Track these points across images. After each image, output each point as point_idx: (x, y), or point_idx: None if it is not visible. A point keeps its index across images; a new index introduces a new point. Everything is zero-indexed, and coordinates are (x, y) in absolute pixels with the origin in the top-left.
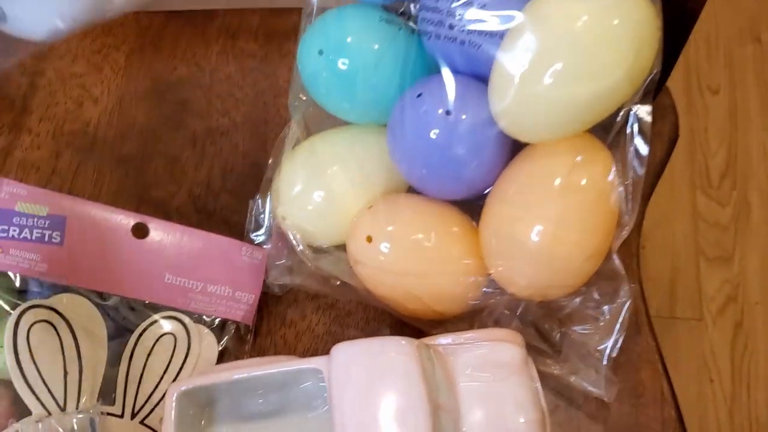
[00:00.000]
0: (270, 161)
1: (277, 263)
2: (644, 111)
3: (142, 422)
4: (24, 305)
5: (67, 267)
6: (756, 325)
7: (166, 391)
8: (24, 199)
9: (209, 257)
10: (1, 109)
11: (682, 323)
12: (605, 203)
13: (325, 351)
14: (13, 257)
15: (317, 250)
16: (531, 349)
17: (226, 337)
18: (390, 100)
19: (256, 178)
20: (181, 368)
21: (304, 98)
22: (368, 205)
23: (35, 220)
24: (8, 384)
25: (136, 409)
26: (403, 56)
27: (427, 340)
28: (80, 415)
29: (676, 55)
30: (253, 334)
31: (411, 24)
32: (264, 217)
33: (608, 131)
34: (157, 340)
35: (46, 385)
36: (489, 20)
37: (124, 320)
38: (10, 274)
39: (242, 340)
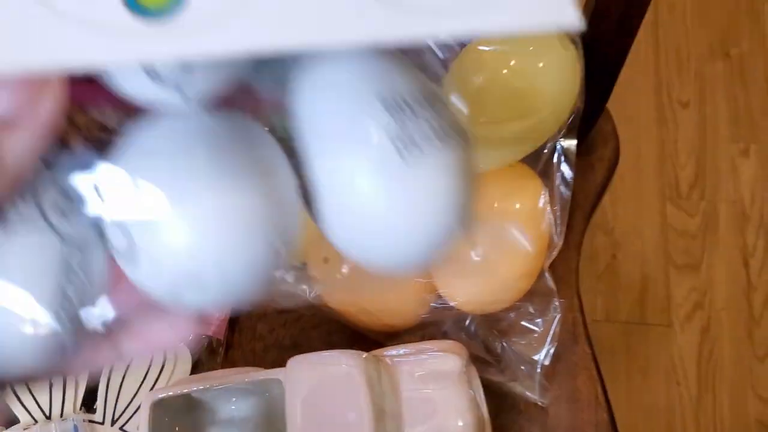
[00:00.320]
0: None
1: None
2: (569, 144)
3: (121, 428)
4: None
5: None
6: (721, 331)
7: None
8: None
9: None
10: None
11: (652, 329)
12: (537, 226)
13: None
14: None
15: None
16: (476, 359)
17: (199, 350)
18: None
19: None
20: (157, 379)
21: None
22: None
23: None
24: None
25: (116, 416)
26: None
27: (377, 352)
28: (64, 422)
29: (609, 91)
30: (224, 347)
31: None
32: None
33: (538, 162)
34: None
35: (32, 395)
36: None
37: None
38: None
39: (214, 353)
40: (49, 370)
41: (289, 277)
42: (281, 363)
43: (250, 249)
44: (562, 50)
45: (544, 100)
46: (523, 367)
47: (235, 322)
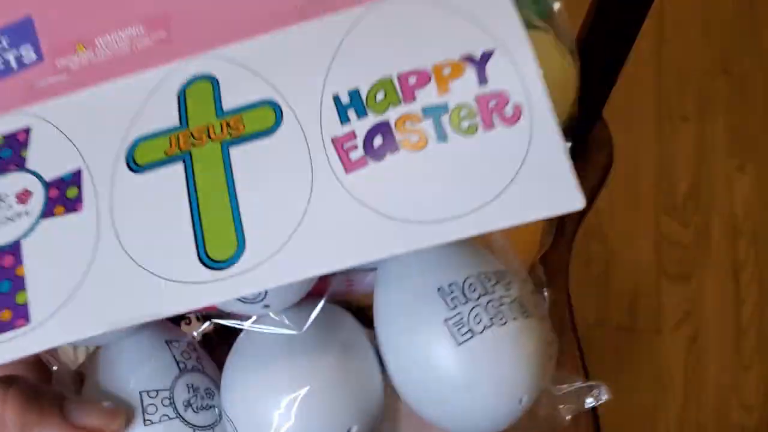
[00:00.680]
0: None
1: None
2: None
3: None
4: None
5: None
6: (709, 341)
7: None
8: None
9: None
10: None
11: (641, 335)
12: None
13: None
14: None
15: None
16: None
17: None
18: None
19: None
20: None
21: None
22: None
23: None
24: None
25: None
26: None
27: None
28: None
29: (605, 98)
30: None
31: None
32: None
33: None
34: None
35: None
36: None
37: None
38: None
39: None
40: None
41: None
42: None
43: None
44: (559, 59)
45: None
46: None
47: None
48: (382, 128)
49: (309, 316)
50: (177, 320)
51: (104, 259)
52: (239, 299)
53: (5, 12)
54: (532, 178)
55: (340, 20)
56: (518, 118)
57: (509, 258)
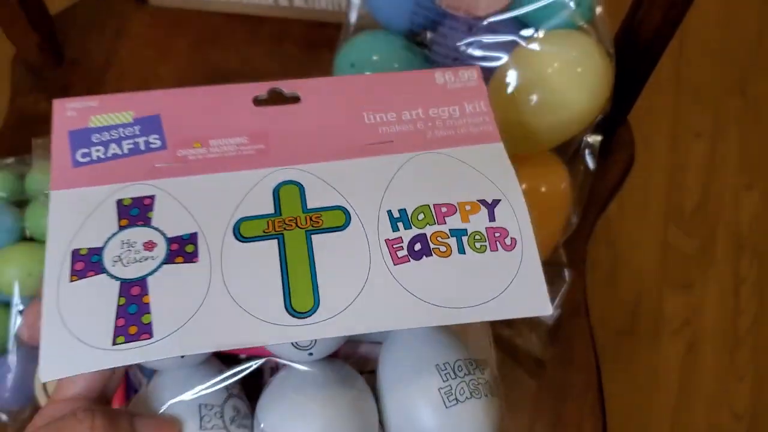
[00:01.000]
0: None
1: None
2: (594, 140)
3: None
4: None
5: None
6: (706, 349)
7: None
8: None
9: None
10: (80, 76)
11: (641, 340)
12: (558, 206)
13: None
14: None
15: None
16: None
17: None
18: None
19: None
20: None
21: None
22: None
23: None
24: None
25: None
26: None
27: None
28: None
29: (632, 101)
30: None
31: (426, 52)
32: None
33: (567, 153)
34: None
35: None
36: (484, 58)
37: None
38: None
39: None
40: None
41: None
42: None
43: None
44: (599, 59)
45: (577, 100)
46: (528, 326)
47: None
48: (421, 238)
49: (332, 366)
50: (229, 359)
51: (214, 298)
52: (293, 344)
53: (142, 108)
54: (519, 288)
55: (394, 160)
56: (513, 247)
57: (485, 345)
